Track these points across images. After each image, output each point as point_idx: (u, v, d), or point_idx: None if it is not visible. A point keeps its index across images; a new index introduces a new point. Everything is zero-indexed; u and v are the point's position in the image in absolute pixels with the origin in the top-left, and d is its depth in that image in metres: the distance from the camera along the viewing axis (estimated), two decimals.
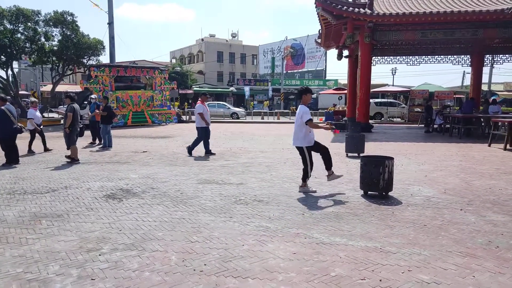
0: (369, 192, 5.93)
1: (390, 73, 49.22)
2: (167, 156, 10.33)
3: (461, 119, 14.79)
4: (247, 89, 44.27)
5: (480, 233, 4.29)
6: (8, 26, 22.08)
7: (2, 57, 23.07)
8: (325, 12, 16.29)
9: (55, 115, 29.20)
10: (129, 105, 21.96)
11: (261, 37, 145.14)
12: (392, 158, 5.84)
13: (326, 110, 28.30)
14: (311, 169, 6.20)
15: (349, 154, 10.16)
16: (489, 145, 12.05)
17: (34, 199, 5.82)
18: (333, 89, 39.05)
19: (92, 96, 14.56)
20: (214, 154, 10.43)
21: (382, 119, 27.16)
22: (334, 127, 6.78)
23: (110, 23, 25.63)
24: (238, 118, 29.17)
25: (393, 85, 41.17)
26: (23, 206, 5.41)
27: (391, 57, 22.10)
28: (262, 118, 29.21)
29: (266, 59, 56.13)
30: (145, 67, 25.57)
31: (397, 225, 4.58)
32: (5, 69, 23.68)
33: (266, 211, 5.15)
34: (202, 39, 61.53)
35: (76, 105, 9.43)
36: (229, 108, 31.03)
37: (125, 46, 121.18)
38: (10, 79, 24.53)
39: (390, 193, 5.88)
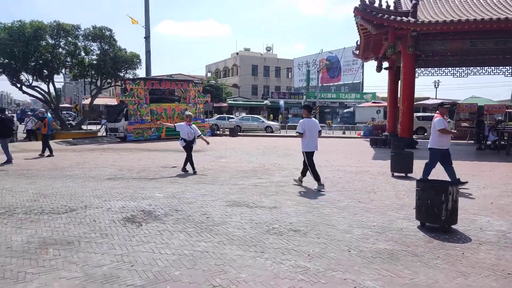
0: (427, 224, 4.99)
1: (433, 86, 46.95)
2: (196, 172, 9.75)
3: None
4: (282, 102, 43.69)
5: None
6: (50, 41, 22.75)
7: (44, 71, 23.77)
8: (365, 21, 15.40)
9: (94, 127, 29.76)
10: (163, 118, 21.85)
11: (296, 50, 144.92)
12: (456, 184, 4.87)
13: (364, 125, 27.03)
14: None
15: (395, 174, 9.15)
16: None
17: (49, 220, 5.33)
18: (371, 102, 37.61)
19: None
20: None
21: (425, 134, 25.50)
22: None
23: (147, 37, 25.93)
24: (272, 131, 28.55)
25: (435, 98, 39.02)
26: (34, 229, 4.92)
27: (436, 68, 20.63)
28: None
29: (301, 72, 55.33)
30: (179, 80, 25.56)
31: (471, 272, 3.63)
32: (47, 83, 24.36)
33: (304, 245, 4.35)
34: (237, 53, 61.86)
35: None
36: (263, 121, 30.48)
37: (161, 60, 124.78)
38: (52, 92, 25.19)
39: (453, 226, 4.90)
